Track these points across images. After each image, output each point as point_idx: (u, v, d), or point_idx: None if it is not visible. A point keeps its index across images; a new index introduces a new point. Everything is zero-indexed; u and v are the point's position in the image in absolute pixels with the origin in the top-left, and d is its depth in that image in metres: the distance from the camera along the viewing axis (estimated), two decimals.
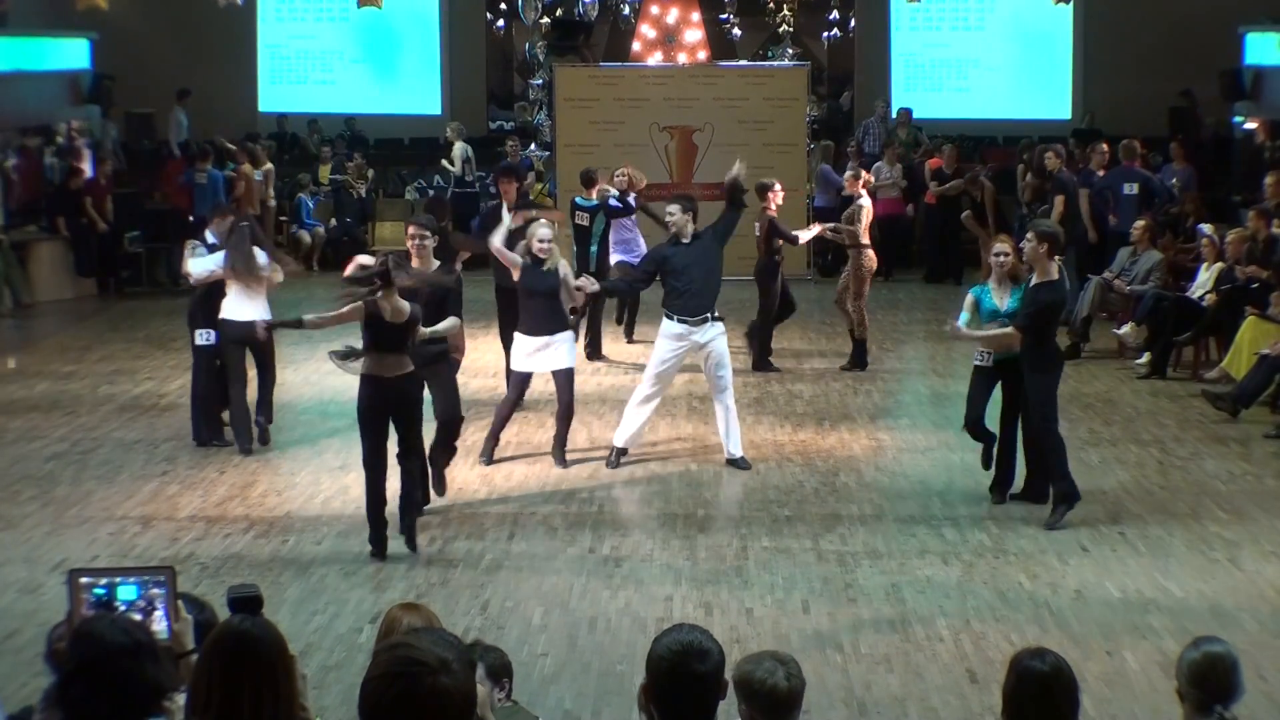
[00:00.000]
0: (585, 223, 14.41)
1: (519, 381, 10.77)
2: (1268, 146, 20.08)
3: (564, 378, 10.69)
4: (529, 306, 10.62)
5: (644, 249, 14.60)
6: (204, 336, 11.29)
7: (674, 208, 11.02)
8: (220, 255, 11.09)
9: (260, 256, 11.12)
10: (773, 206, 13.82)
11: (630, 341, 15.39)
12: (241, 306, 11.03)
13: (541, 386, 11.42)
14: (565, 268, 10.71)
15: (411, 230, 9.73)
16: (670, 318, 10.82)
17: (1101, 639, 7.65)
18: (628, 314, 15.66)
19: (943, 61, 24.68)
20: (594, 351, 14.68)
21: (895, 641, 7.64)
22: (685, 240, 10.79)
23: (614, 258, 14.69)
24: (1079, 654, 7.07)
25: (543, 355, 10.61)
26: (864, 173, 14.59)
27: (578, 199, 14.75)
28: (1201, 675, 4.59)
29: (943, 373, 13.98)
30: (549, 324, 10.55)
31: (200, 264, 11.18)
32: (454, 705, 2.88)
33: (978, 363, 9.90)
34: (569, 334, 10.73)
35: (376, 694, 2.88)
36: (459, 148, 20.80)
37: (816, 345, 14.11)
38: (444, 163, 20.95)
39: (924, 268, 19.87)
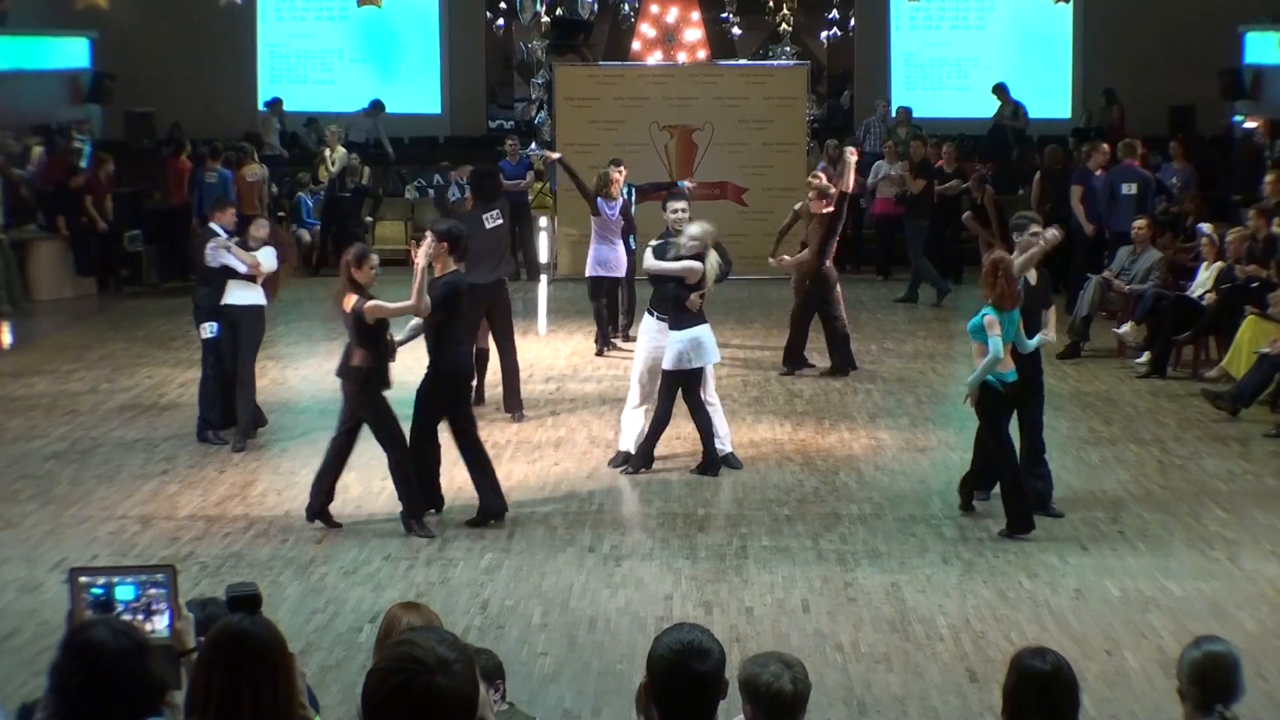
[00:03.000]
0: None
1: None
2: (1268, 146, 20.07)
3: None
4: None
5: (621, 250, 14.46)
6: (210, 330, 11.37)
7: (682, 204, 11.11)
8: (270, 252, 11.32)
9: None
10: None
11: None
12: (249, 291, 11.25)
13: (545, 386, 11.38)
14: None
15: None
16: (651, 314, 10.79)
17: (1101, 639, 7.65)
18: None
19: (943, 60, 24.63)
20: (607, 343, 14.67)
21: (895, 641, 7.64)
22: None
23: (591, 252, 14.70)
24: (1079, 653, 7.07)
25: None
26: (833, 187, 13.72)
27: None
28: (1202, 674, 4.58)
29: (943, 372, 13.97)
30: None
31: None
32: (449, 706, 2.88)
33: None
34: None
35: (373, 687, 2.92)
36: (341, 153, 20.38)
37: (816, 344, 14.06)
38: (326, 155, 20.42)
39: None
